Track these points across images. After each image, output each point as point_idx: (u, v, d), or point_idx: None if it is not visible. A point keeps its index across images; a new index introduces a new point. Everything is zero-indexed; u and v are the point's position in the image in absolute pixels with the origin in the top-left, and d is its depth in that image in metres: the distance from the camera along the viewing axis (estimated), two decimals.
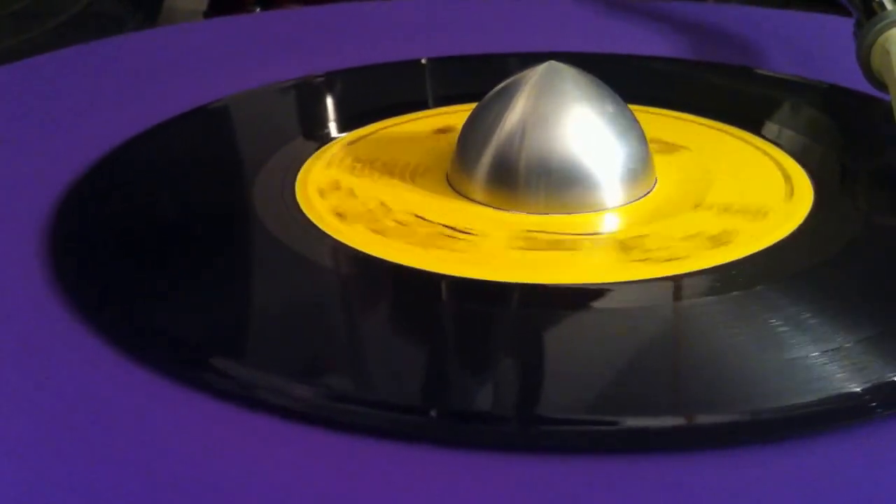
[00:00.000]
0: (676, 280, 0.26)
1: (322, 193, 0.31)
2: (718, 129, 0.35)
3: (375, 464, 0.20)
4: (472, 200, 0.30)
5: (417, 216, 0.29)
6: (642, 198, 0.30)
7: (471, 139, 0.31)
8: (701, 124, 0.35)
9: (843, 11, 0.39)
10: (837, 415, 0.21)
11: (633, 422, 0.22)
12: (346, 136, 0.35)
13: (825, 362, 0.23)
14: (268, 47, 0.46)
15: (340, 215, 0.29)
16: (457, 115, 0.32)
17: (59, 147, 0.35)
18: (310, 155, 0.33)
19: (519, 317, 0.26)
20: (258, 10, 0.76)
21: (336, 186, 0.31)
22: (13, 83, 0.42)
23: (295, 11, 0.58)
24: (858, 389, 0.22)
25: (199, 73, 0.42)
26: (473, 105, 0.31)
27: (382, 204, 0.30)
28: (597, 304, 0.26)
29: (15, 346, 0.24)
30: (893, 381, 0.22)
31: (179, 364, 0.23)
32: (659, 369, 0.24)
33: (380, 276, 0.27)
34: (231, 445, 0.21)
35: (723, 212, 0.29)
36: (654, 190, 0.31)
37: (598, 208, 0.29)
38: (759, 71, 0.42)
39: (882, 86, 0.35)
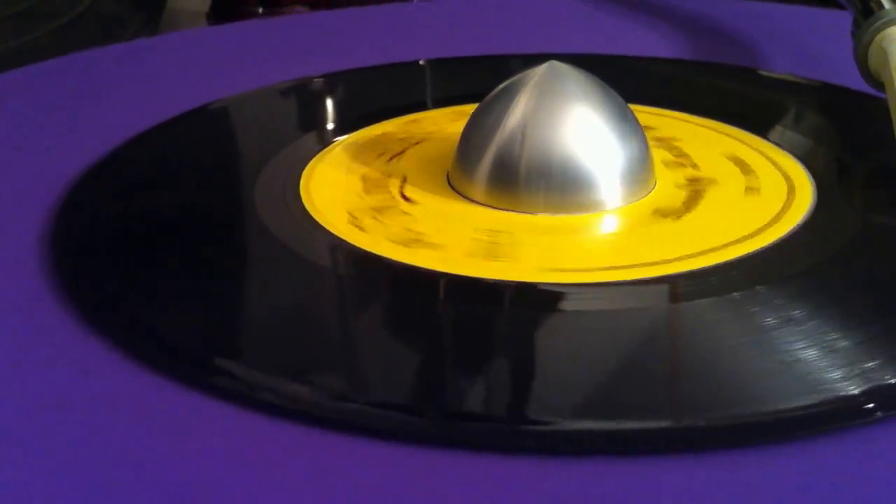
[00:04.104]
0: (675, 281, 0.26)
1: (324, 194, 0.31)
2: (719, 129, 0.35)
3: (371, 463, 0.21)
4: (473, 201, 0.30)
5: (419, 216, 0.29)
6: (642, 199, 0.30)
7: (472, 139, 0.31)
8: (701, 124, 0.36)
9: (845, 8, 0.39)
10: (836, 417, 0.21)
11: (629, 424, 0.22)
12: (348, 137, 0.35)
13: (824, 364, 0.23)
14: (269, 50, 0.46)
15: (342, 216, 0.29)
16: (458, 117, 0.32)
17: (60, 149, 0.35)
18: (312, 156, 0.34)
19: (515, 317, 0.26)
20: (261, 10, 0.76)
21: (338, 188, 0.31)
22: (15, 86, 0.42)
23: (296, 17, 0.58)
24: (857, 392, 0.22)
25: (200, 76, 0.42)
26: (474, 106, 0.32)
27: (384, 204, 0.30)
28: (595, 304, 0.26)
29: (14, 348, 0.25)
30: (892, 383, 0.22)
31: (181, 365, 0.23)
32: (656, 371, 0.24)
33: (383, 276, 0.27)
34: (231, 446, 0.21)
35: (723, 212, 0.30)
36: (654, 191, 0.31)
37: (598, 209, 0.29)
38: (760, 71, 0.42)
39: (879, 85, 0.35)
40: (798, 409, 0.22)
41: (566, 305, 0.26)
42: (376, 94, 0.40)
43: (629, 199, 0.30)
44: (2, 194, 0.32)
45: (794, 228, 0.28)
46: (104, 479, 0.20)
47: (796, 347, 0.23)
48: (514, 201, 0.30)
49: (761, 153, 0.33)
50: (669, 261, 0.27)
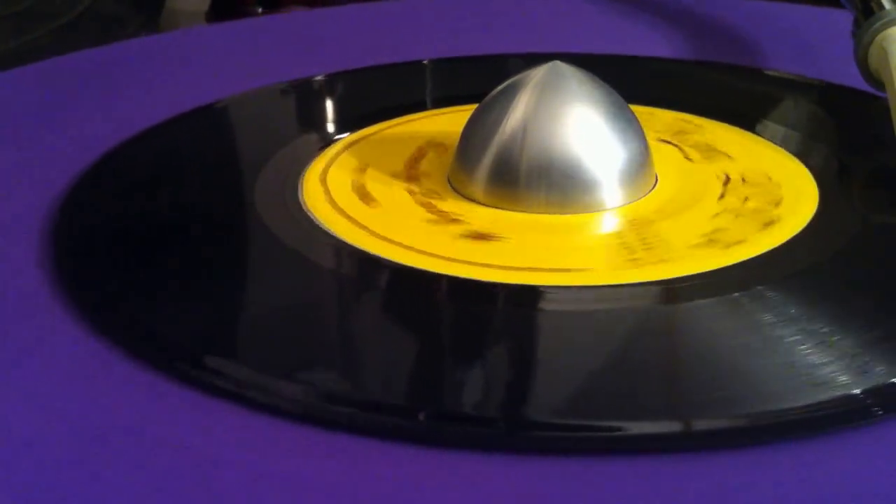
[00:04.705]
0: (676, 281, 0.26)
1: (324, 194, 0.31)
2: (719, 129, 0.35)
3: (368, 464, 0.21)
4: (473, 201, 0.30)
5: (418, 216, 0.29)
6: (642, 198, 0.30)
7: (472, 139, 0.31)
8: (702, 124, 0.35)
9: (845, 8, 0.39)
10: (836, 417, 0.21)
11: (629, 425, 0.22)
12: (348, 136, 0.35)
13: (824, 364, 0.23)
14: (269, 49, 0.46)
15: (341, 216, 0.29)
16: (458, 117, 0.32)
17: (60, 148, 0.35)
18: (311, 156, 0.34)
19: (515, 318, 0.26)
20: (260, 10, 0.77)
21: (338, 187, 0.31)
22: (15, 85, 0.42)
23: (296, 14, 0.58)
24: (858, 391, 0.22)
25: (200, 75, 0.42)
26: (474, 106, 0.31)
27: (383, 204, 0.30)
28: (595, 305, 0.26)
29: (14, 348, 0.25)
30: (893, 382, 0.22)
31: (180, 364, 0.23)
32: (656, 371, 0.24)
33: (383, 277, 0.27)
34: (228, 445, 0.21)
35: (724, 213, 0.30)
36: (655, 190, 0.31)
37: (598, 208, 0.29)
38: (760, 70, 0.42)
39: (880, 85, 0.35)
40: (798, 409, 0.22)
41: (566, 306, 0.26)
42: (376, 94, 0.40)
43: (629, 198, 0.30)
44: (2, 194, 0.32)
45: (798, 230, 0.28)
46: (103, 479, 0.20)
47: (796, 347, 0.23)
48: (514, 201, 0.29)
49: (761, 151, 0.33)
50: (669, 261, 0.27)
